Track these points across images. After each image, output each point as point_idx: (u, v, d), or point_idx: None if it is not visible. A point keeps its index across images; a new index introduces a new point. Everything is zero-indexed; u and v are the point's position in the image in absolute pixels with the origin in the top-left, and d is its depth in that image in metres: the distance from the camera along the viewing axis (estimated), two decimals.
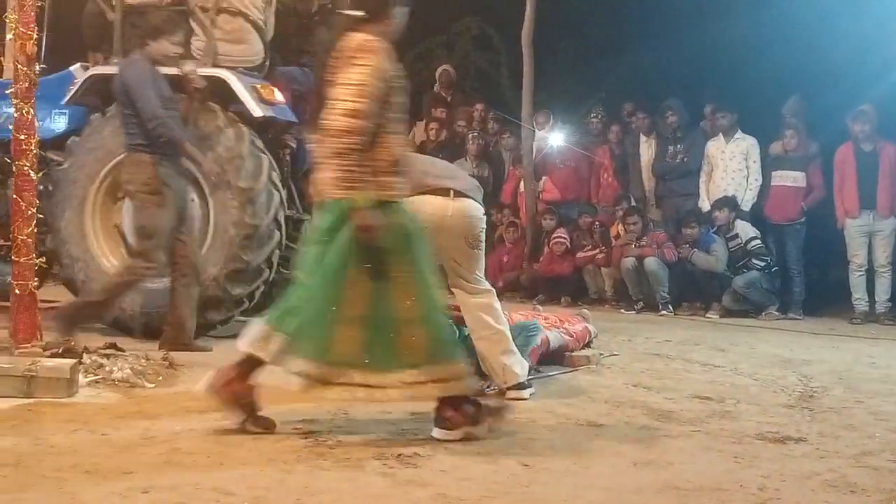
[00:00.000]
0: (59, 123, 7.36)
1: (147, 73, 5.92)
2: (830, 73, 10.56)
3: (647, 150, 10.76)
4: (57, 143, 7.14)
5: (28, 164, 4.87)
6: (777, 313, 9.53)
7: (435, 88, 12.72)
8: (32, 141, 4.90)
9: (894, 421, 4.55)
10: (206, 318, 6.64)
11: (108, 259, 6.80)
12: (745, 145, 10.00)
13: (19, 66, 4.86)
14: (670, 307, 9.66)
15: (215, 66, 6.81)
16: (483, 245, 4.83)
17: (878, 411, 4.79)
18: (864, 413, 4.75)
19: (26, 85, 4.86)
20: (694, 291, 9.88)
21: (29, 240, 4.89)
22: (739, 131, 10.05)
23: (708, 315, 9.51)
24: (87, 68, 7.20)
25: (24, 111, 4.85)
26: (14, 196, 4.93)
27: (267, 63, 7.24)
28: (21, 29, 4.82)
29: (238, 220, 6.59)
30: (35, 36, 4.86)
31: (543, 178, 11.30)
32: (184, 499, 2.99)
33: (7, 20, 4.91)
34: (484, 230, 4.82)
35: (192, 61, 6.82)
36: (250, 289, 6.77)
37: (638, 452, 3.76)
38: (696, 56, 12.55)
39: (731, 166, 9.99)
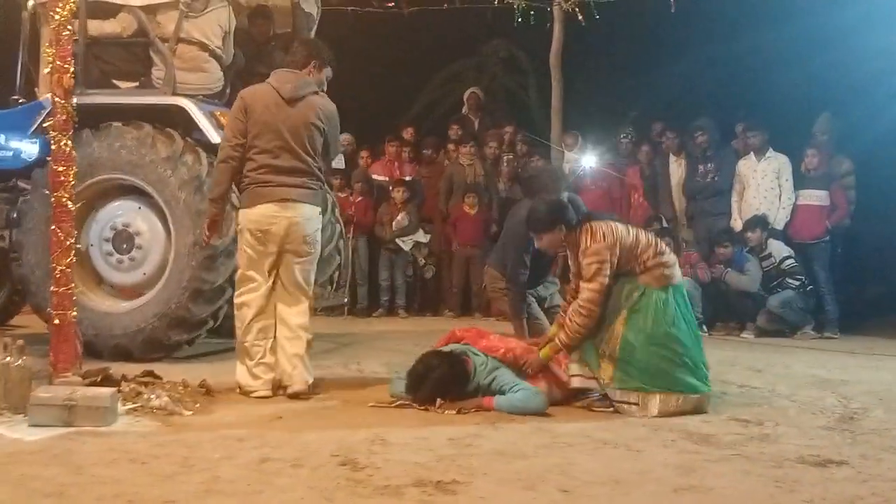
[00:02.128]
0: (31, 152, 7.49)
1: None
2: (861, 89, 10.49)
3: (677, 169, 10.72)
4: (28, 172, 7.34)
5: (66, 196, 4.92)
6: (813, 333, 9.46)
7: (463, 111, 12.78)
8: (70, 172, 4.95)
9: None
10: (171, 339, 6.83)
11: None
12: (776, 164, 9.95)
13: (56, 98, 4.92)
14: (704, 327, 9.58)
15: (175, 94, 7.02)
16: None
17: None
18: None
19: (64, 117, 4.92)
20: (728, 311, 9.82)
21: (68, 270, 4.93)
22: (771, 149, 10.00)
23: (742, 335, 9.45)
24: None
25: (61, 143, 4.91)
26: (53, 227, 4.99)
27: (227, 90, 7.46)
28: (58, 62, 4.88)
29: (194, 275, 6.74)
30: (71, 69, 4.92)
31: None
32: None
33: (44, 54, 4.97)
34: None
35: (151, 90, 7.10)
36: (213, 308, 6.88)
37: (678, 477, 3.74)
38: (725, 75, 12.55)
39: (763, 185, 9.94)
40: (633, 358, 5.11)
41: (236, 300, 5.74)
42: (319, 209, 5.79)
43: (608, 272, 5.14)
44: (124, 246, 7.03)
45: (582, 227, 5.28)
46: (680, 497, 3.47)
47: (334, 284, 8.69)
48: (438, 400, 5.12)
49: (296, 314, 5.68)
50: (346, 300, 10.28)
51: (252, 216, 5.55)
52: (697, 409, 5.09)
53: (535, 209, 5.52)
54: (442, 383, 5.14)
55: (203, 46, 7.19)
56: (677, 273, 5.34)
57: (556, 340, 5.24)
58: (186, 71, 7.14)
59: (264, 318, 5.64)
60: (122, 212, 7.09)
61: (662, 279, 5.22)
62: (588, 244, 5.19)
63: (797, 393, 5.93)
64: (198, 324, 6.91)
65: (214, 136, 6.85)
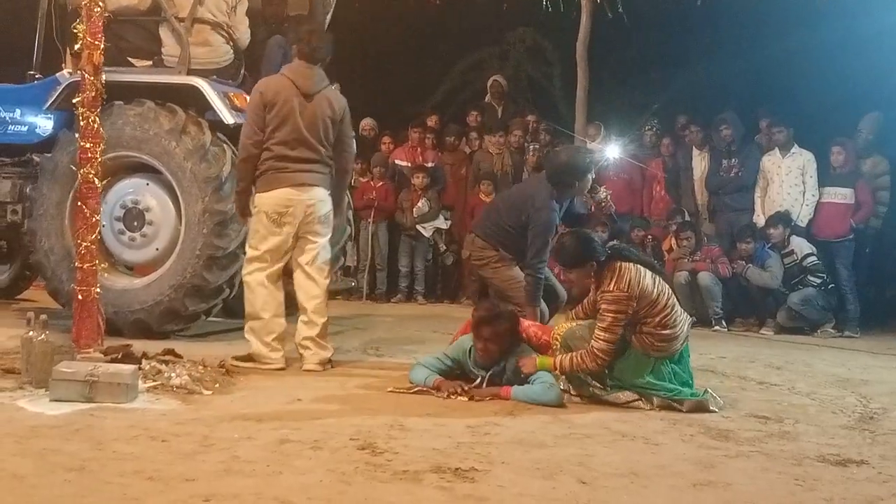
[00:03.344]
0: (46, 127, 7.66)
1: None
2: (892, 89, 10.41)
3: (700, 163, 10.68)
4: (44, 146, 7.49)
5: (93, 172, 4.95)
6: (833, 331, 9.41)
7: (486, 99, 12.75)
8: (98, 149, 4.97)
9: None
10: (188, 309, 6.95)
11: None
12: (801, 160, 9.88)
13: (86, 75, 4.94)
14: (724, 323, 9.57)
15: (189, 73, 7.11)
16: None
17: None
18: None
19: (93, 94, 4.94)
20: (748, 307, 9.78)
21: (93, 246, 4.96)
22: (796, 146, 9.94)
23: (762, 331, 9.41)
24: (70, 74, 7.38)
25: (90, 119, 4.93)
26: (79, 203, 5.02)
27: (242, 71, 7.52)
28: (88, 39, 4.89)
29: (206, 242, 6.83)
30: (102, 46, 4.93)
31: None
32: None
33: (75, 30, 4.99)
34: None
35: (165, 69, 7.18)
36: (208, 306, 7.02)
37: (697, 472, 3.73)
38: (751, 69, 12.47)
39: (788, 181, 9.87)
40: (622, 385, 5.14)
41: (247, 278, 5.93)
42: (329, 192, 6.05)
43: (623, 323, 5.02)
44: (135, 223, 7.12)
45: (610, 266, 5.13)
46: (699, 492, 3.46)
47: (343, 262, 8.84)
48: (458, 385, 5.16)
49: (312, 297, 5.96)
50: (353, 284, 10.34)
51: (271, 199, 5.81)
52: (699, 409, 5.02)
53: (565, 243, 5.47)
54: (500, 331, 5.25)
55: (208, 21, 7.24)
56: (673, 348, 5.11)
57: (558, 362, 5.14)
58: (192, 45, 7.18)
59: (278, 294, 5.93)
60: (130, 189, 7.16)
61: (648, 348, 5.07)
62: (611, 288, 5.03)
63: (817, 391, 5.90)
64: (214, 292, 6.98)
65: (228, 117, 6.96)
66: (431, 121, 12.22)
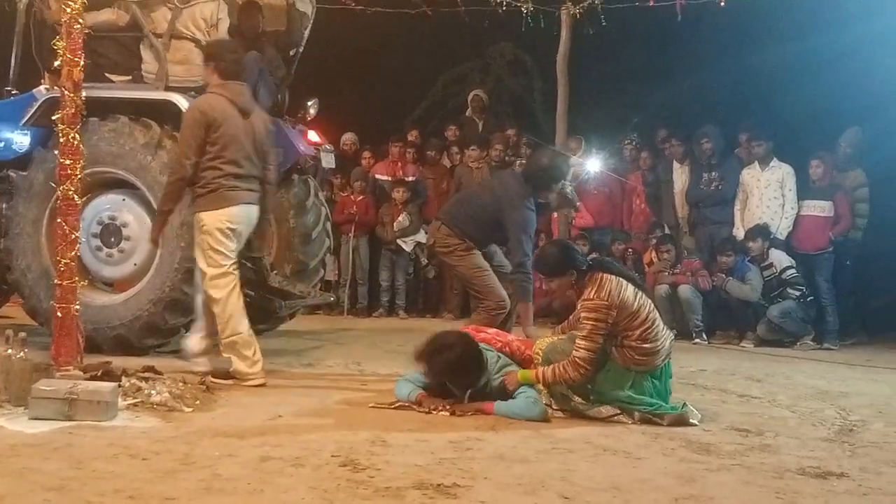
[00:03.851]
0: (23, 143, 7.61)
1: None
2: (876, 104, 10.50)
3: (680, 176, 10.73)
4: (20, 163, 7.44)
5: (73, 189, 4.93)
6: (812, 343, 9.46)
7: (467, 113, 12.78)
8: (77, 165, 4.96)
9: None
10: (167, 323, 6.95)
11: None
12: (780, 173, 9.96)
13: (66, 91, 4.92)
14: (704, 335, 9.61)
15: (167, 89, 7.11)
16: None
17: None
18: None
19: (72, 111, 4.92)
20: (728, 320, 9.84)
21: (72, 263, 4.94)
22: (775, 159, 10.02)
23: (742, 344, 9.47)
24: (48, 90, 7.37)
25: (69, 136, 4.91)
26: (58, 220, 5.00)
27: None
28: (68, 56, 4.88)
29: (184, 255, 6.79)
30: (82, 63, 4.92)
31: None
32: None
33: (54, 47, 4.97)
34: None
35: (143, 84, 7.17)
36: (187, 319, 6.94)
37: (678, 487, 3.73)
38: (731, 83, 12.56)
39: (767, 194, 9.95)
40: (603, 398, 5.14)
41: (216, 296, 5.87)
42: None
43: (603, 332, 5.03)
44: (112, 239, 7.09)
45: (591, 276, 5.17)
46: None
47: (323, 275, 8.86)
48: (440, 401, 5.15)
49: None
50: (332, 298, 10.35)
51: (223, 217, 5.85)
52: (679, 423, 5.03)
53: (546, 252, 5.57)
54: (456, 364, 5.12)
55: (186, 38, 7.25)
56: (654, 362, 5.12)
57: (541, 373, 5.15)
58: (172, 63, 7.19)
59: (244, 310, 5.98)
60: (107, 205, 7.14)
61: (629, 361, 5.09)
62: (591, 296, 5.06)
63: (797, 404, 5.93)
64: (169, 332, 6.98)
65: None
66: (412, 135, 12.25)
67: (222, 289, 5.87)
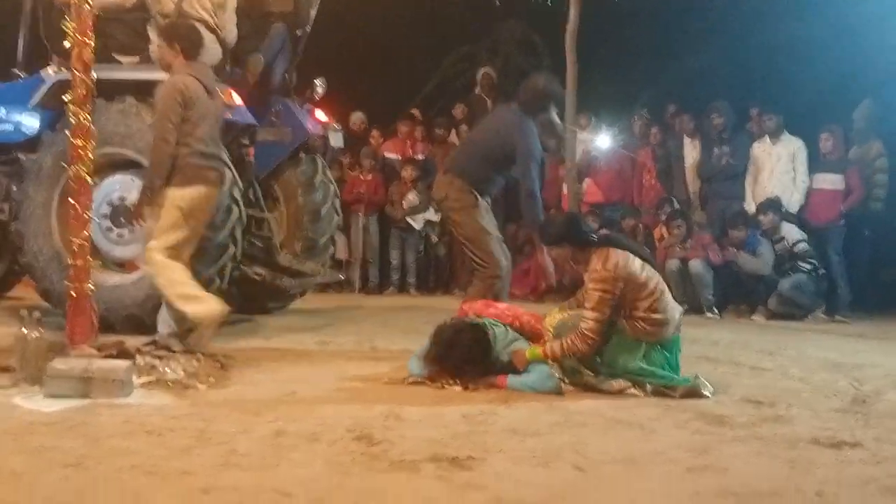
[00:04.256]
0: (32, 126, 7.63)
1: None
2: (883, 75, 10.45)
3: (691, 151, 10.71)
4: (29, 146, 7.47)
5: (85, 170, 4.94)
6: (824, 316, 9.45)
7: (476, 91, 12.74)
8: (89, 146, 4.97)
9: None
10: (154, 321, 6.77)
11: None
12: (792, 147, 9.93)
13: (76, 72, 4.92)
14: (715, 310, 9.61)
15: None
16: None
17: None
18: None
19: (83, 92, 4.92)
20: (739, 294, 9.83)
21: (85, 243, 4.95)
22: (786, 133, 9.98)
23: (753, 318, 9.46)
24: (56, 72, 7.35)
25: (80, 117, 4.92)
26: (70, 200, 5.01)
27: (227, 66, 7.51)
28: (78, 36, 4.88)
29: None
30: (92, 43, 4.92)
31: (586, 180, 11.29)
32: (244, 499, 3.02)
33: (64, 28, 4.97)
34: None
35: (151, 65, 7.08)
36: (217, 265, 6.96)
37: (692, 457, 3.74)
38: (741, 58, 12.50)
39: (778, 168, 9.93)
40: (615, 371, 5.17)
41: (160, 259, 5.75)
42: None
43: (610, 303, 5.04)
44: (122, 219, 7.07)
45: (598, 250, 5.19)
46: (695, 477, 3.47)
47: (333, 253, 8.90)
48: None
49: None
50: (341, 277, 10.39)
51: (187, 194, 5.78)
52: (691, 395, 5.04)
53: (551, 220, 5.70)
54: (468, 355, 5.14)
55: (198, 20, 7.16)
56: (664, 333, 5.14)
57: (549, 348, 5.16)
58: None
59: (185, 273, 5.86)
60: (117, 186, 7.13)
61: (639, 332, 5.11)
62: (598, 268, 5.09)
63: (810, 375, 5.92)
64: (205, 283, 6.90)
65: None
66: (414, 114, 12.23)
67: (167, 257, 5.78)
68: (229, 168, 6.84)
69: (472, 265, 6.39)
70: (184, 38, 5.99)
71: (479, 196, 6.36)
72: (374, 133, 12.01)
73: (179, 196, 5.78)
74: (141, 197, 5.93)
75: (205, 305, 5.69)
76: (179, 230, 5.79)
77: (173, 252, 5.79)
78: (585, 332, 5.04)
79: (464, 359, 5.15)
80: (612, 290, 5.03)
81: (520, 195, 6.37)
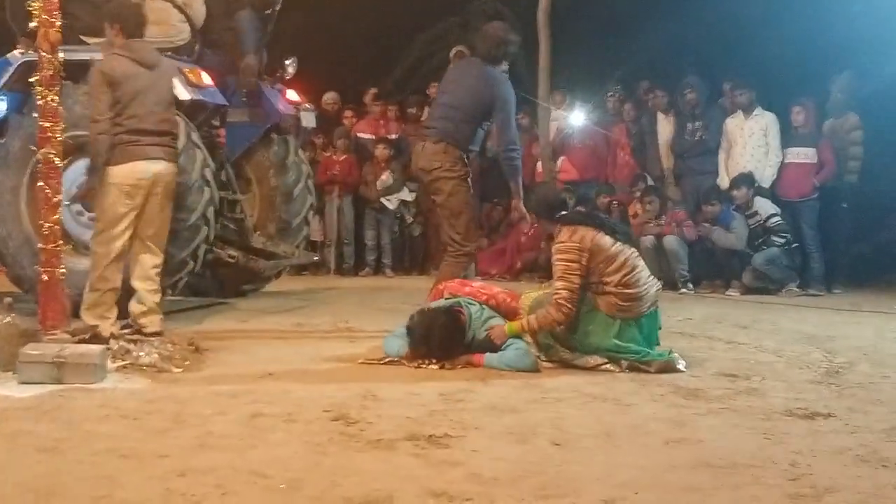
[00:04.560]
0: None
1: None
2: (856, 48, 10.49)
3: (665, 127, 10.71)
4: None
5: (54, 152, 4.88)
6: (797, 290, 9.52)
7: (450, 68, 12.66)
8: (58, 128, 4.90)
9: None
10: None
11: None
12: (764, 121, 9.96)
13: (43, 53, 4.86)
14: (690, 285, 9.66)
15: None
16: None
17: None
18: (892, 388, 4.74)
19: (50, 72, 4.85)
20: (714, 269, 9.88)
21: (56, 227, 4.90)
22: (759, 107, 10.01)
23: (728, 293, 9.51)
24: (22, 54, 7.29)
25: (48, 99, 4.85)
26: (40, 184, 4.95)
27: (197, 47, 7.46)
28: (44, 16, 4.81)
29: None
30: (58, 23, 4.85)
31: (561, 157, 11.28)
32: (221, 481, 3.01)
33: (30, 8, 4.89)
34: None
35: None
36: (172, 280, 6.91)
37: (668, 430, 3.77)
38: (714, 33, 12.47)
39: (751, 143, 9.95)
40: (589, 349, 5.19)
41: (97, 248, 5.81)
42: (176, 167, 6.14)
43: (577, 272, 5.06)
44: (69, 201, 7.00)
45: (569, 226, 5.24)
46: (671, 449, 3.50)
47: (306, 234, 8.86)
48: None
49: (153, 266, 5.99)
50: (315, 258, 10.36)
51: (123, 171, 5.76)
52: (666, 370, 5.06)
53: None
54: (446, 341, 5.16)
55: None
56: (638, 308, 5.15)
57: (527, 322, 5.19)
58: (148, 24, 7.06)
59: (117, 266, 5.86)
60: (85, 169, 7.03)
61: (612, 308, 5.12)
62: (563, 240, 5.14)
63: (783, 348, 5.97)
64: (178, 265, 6.90)
65: (183, 94, 6.85)
66: (369, 96, 12.13)
67: (104, 245, 5.79)
68: (199, 148, 6.87)
69: (448, 240, 6.35)
70: (120, 17, 5.95)
71: (468, 167, 6.36)
72: (347, 113, 11.94)
73: (114, 174, 5.75)
74: (87, 179, 5.94)
75: (104, 326, 5.65)
76: (118, 209, 5.74)
77: (111, 236, 5.74)
78: (558, 300, 5.06)
79: (441, 346, 5.15)
80: (577, 259, 5.07)
81: (501, 144, 6.39)
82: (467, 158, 6.33)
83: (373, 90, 12.32)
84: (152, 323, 5.88)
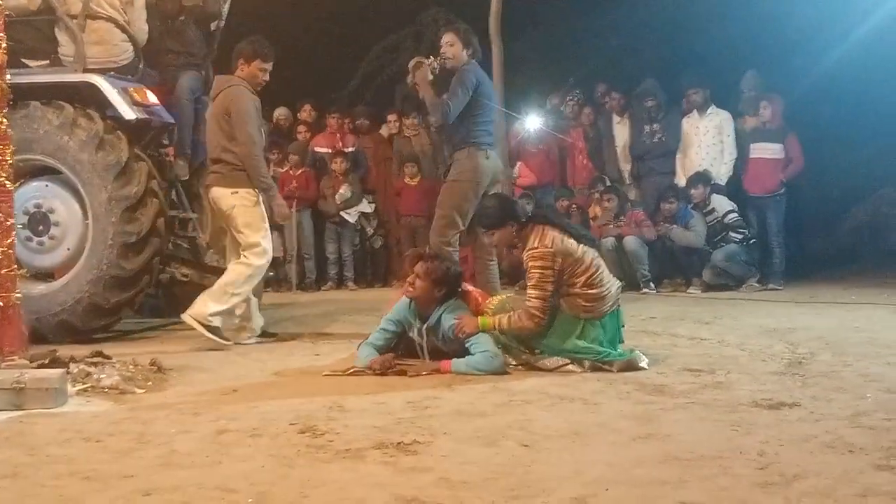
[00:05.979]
0: None
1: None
2: (793, 43, 10.65)
3: (621, 130, 10.77)
4: None
5: (4, 175, 4.81)
6: (757, 285, 9.61)
7: (407, 80, 12.63)
8: (7, 151, 4.83)
9: (884, 381, 4.60)
10: (110, 301, 6.83)
11: None
12: (718, 120, 10.06)
13: None
14: (652, 285, 9.71)
15: (85, 71, 6.96)
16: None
17: (867, 373, 4.84)
18: (854, 375, 4.79)
19: None
20: (674, 268, 9.96)
21: (10, 251, 4.82)
22: (713, 106, 10.11)
23: (689, 290, 9.59)
24: None
25: None
26: None
27: (140, 66, 7.38)
28: None
29: (117, 230, 6.73)
30: (4, 44, 4.78)
31: (518, 163, 11.30)
32: (187, 499, 2.96)
33: None
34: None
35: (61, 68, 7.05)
36: (129, 295, 6.88)
37: (635, 427, 3.77)
38: (666, 35, 12.60)
39: (706, 141, 10.05)
40: (551, 350, 5.20)
41: (256, 261, 6.55)
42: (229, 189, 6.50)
43: (552, 279, 5.08)
44: (41, 227, 6.94)
45: (534, 228, 5.24)
46: (639, 445, 3.50)
47: None
48: (393, 361, 5.19)
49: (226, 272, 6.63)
50: (271, 274, 10.28)
51: (250, 192, 6.56)
52: (629, 368, 5.08)
53: (485, 205, 5.77)
54: (446, 273, 5.36)
55: (106, 18, 7.07)
56: (602, 308, 5.16)
57: (497, 320, 5.19)
58: (88, 44, 7.01)
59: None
60: (31, 194, 6.96)
61: (577, 309, 5.14)
62: (535, 245, 5.13)
63: (746, 342, 6.02)
64: (133, 279, 6.85)
65: (128, 113, 6.87)
66: (304, 111, 12.06)
67: (261, 257, 6.51)
68: (143, 160, 6.96)
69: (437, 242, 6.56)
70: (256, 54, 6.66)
71: None
72: (301, 128, 11.88)
73: (247, 196, 6.55)
74: (274, 201, 6.74)
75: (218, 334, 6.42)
76: (261, 222, 6.62)
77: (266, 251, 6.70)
78: (531, 309, 5.06)
79: (442, 271, 5.32)
80: (551, 265, 5.06)
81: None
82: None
83: (307, 106, 12.21)
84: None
